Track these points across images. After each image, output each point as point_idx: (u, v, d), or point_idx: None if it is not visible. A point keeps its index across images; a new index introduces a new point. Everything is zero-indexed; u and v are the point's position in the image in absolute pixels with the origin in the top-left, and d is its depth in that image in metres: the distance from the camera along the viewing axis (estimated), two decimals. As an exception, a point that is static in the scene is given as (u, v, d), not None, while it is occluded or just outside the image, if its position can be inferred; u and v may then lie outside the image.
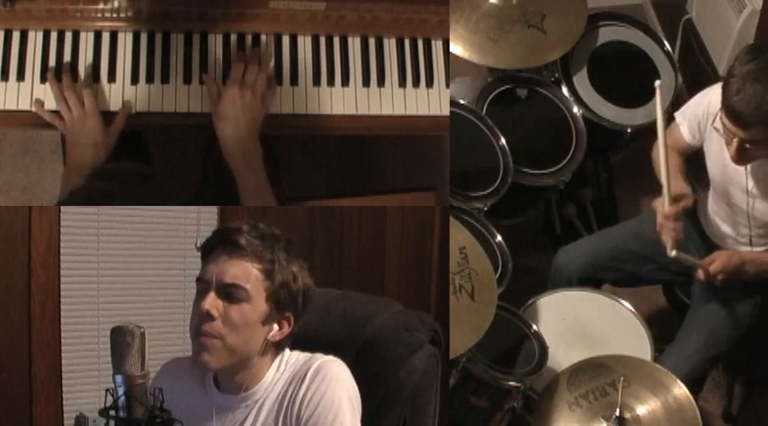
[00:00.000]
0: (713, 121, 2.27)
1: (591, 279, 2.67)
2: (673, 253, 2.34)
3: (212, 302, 1.55)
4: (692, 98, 2.51)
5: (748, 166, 2.31)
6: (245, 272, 1.56)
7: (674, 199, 2.37)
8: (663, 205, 2.37)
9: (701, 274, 2.42)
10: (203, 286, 1.57)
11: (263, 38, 2.24)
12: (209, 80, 2.17)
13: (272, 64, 2.24)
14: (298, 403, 1.57)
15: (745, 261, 2.45)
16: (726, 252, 2.48)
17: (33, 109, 2.12)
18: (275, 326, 1.60)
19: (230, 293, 1.56)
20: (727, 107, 2.14)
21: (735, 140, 2.18)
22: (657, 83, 2.40)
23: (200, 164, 2.54)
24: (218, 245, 1.59)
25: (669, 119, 2.56)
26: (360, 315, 1.82)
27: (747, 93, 2.08)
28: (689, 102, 2.52)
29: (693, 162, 2.59)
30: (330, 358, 1.62)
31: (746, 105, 2.09)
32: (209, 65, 2.20)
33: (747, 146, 2.17)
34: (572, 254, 2.69)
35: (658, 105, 2.38)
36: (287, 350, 1.66)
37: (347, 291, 1.92)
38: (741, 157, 2.23)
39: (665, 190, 2.36)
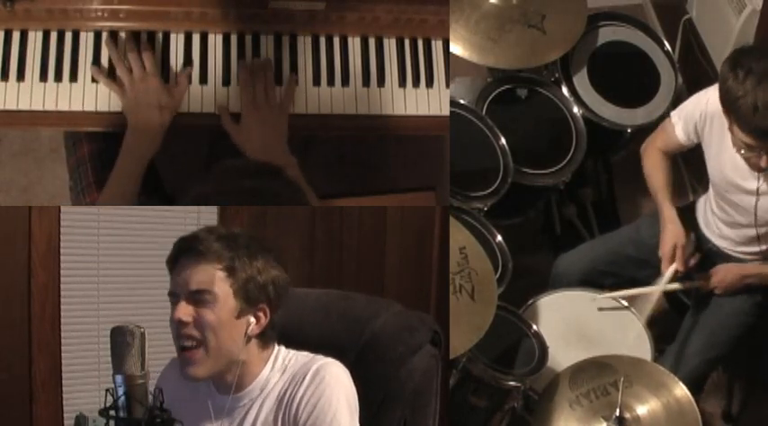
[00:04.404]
0: (728, 127, 2.25)
1: (591, 284, 2.66)
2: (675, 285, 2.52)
3: (184, 310, 1.57)
4: (690, 98, 2.51)
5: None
6: (209, 276, 1.58)
7: (672, 255, 2.46)
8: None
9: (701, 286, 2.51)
10: (174, 298, 1.60)
11: (263, 38, 2.25)
12: (223, 111, 2.15)
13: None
14: (296, 404, 1.58)
15: (745, 274, 2.46)
16: (724, 266, 2.50)
17: (91, 72, 2.11)
18: (252, 319, 1.61)
19: (198, 298, 1.57)
20: (751, 128, 2.12)
21: (765, 157, 2.17)
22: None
23: (200, 164, 2.53)
24: (179, 256, 1.61)
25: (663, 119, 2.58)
26: (360, 316, 1.82)
27: (765, 107, 2.07)
28: (686, 101, 2.51)
29: (693, 161, 2.59)
30: (329, 360, 1.63)
31: None
32: (210, 65, 2.20)
33: None
34: (571, 260, 2.70)
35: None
36: (282, 349, 1.67)
37: (347, 292, 1.92)
38: None
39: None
